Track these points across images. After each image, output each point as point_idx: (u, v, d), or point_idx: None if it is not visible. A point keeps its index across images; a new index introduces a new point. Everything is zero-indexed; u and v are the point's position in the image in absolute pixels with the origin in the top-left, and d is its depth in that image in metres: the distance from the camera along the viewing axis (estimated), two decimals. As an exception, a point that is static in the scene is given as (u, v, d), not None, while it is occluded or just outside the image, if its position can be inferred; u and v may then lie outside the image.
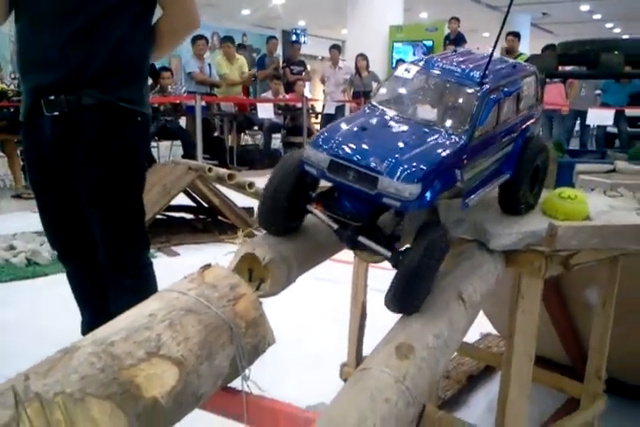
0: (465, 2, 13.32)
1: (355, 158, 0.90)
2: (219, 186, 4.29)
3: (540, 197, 1.29)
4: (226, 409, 0.92)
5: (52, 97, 1.74)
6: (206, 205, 4.58)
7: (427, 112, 1.01)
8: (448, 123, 0.98)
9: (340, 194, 0.98)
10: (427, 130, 0.97)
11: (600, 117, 7.44)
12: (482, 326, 2.43)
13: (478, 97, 0.98)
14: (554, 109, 7.94)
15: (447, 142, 0.95)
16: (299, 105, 8.84)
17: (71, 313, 2.09)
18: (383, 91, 1.07)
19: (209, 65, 8.19)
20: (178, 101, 7.76)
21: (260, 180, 0.91)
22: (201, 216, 4.71)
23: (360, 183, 0.90)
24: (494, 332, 2.47)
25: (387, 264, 0.99)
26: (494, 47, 1.22)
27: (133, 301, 0.98)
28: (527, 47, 11.99)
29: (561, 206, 1.24)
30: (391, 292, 0.93)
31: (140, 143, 1.91)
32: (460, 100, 1.00)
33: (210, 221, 4.59)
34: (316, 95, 11.65)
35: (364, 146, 0.92)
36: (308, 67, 10.52)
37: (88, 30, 1.72)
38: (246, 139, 9.86)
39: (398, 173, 0.87)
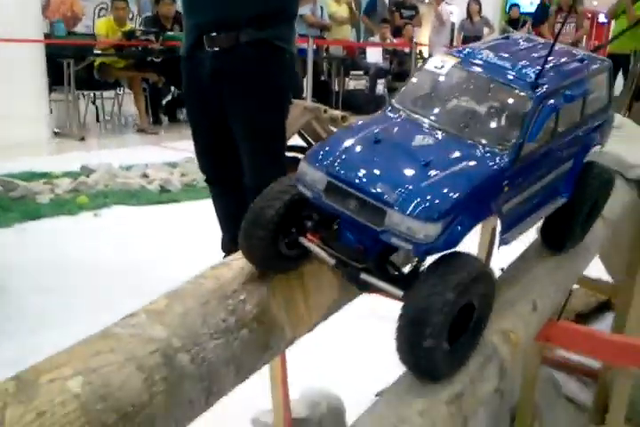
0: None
1: (358, 182, 0.69)
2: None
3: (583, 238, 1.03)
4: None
5: (214, 34, 1.94)
6: (318, 146, 4.77)
7: (461, 120, 0.77)
8: (488, 136, 0.75)
9: (342, 224, 0.75)
10: (459, 145, 0.74)
11: None
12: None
13: (530, 103, 0.74)
14: None
15: (484, 163, 0.72)
16: (406, 50, 8.75)
17: (200, 234, 2.33)
18: (409, 88, 0.82)
19: (321, 8, 8.24)
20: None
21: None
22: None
23: (363, 216, 0.69)
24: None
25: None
26: (559, 31, 0.94)
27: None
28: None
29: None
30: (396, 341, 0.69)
31: (287, 78, 2.09)
32: (506, 107, 0.77)
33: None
34: (423, 40, 11.38)
35: (374, 166, 0.70)
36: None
37: None
38: (349, 83, 9.90)
39: (413, 207, 0.66)
